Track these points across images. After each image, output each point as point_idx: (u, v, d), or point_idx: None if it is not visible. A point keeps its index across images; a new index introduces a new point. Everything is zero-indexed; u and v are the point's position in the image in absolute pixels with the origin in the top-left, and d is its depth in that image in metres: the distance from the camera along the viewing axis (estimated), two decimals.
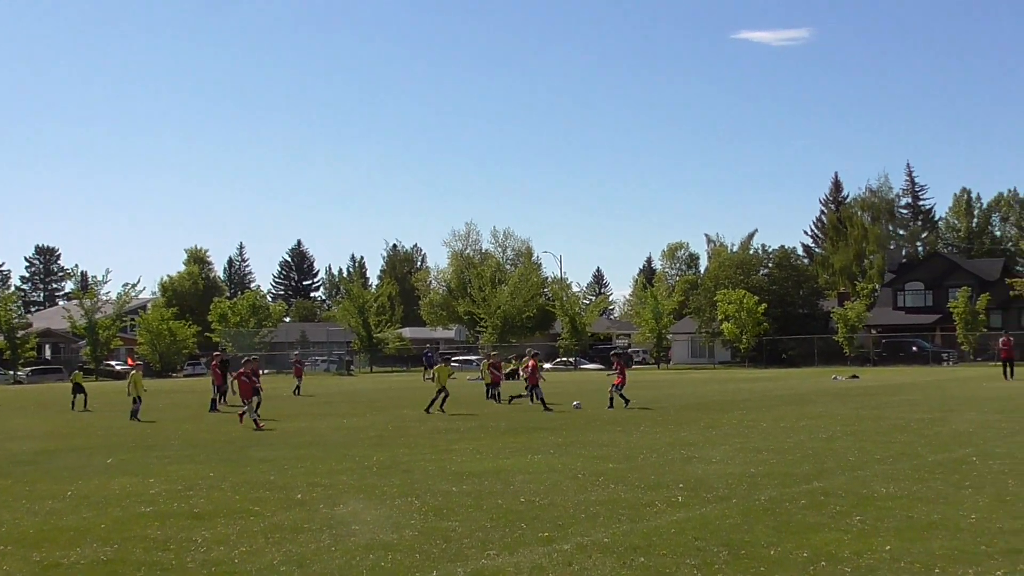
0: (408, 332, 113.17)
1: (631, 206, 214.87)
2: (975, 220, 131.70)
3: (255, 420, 26.68)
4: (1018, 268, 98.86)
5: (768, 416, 27.51)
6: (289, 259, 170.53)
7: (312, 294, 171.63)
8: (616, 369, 32.55)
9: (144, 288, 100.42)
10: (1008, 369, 47.05)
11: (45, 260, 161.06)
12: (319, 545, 10.93)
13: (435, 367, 34.67)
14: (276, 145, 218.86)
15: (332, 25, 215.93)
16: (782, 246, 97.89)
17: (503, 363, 44.25)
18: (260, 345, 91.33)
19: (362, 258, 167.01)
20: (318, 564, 10.09)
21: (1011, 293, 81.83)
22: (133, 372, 33.13)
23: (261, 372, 38.17)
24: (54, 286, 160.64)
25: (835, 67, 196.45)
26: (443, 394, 31.99)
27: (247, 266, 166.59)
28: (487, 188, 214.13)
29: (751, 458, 17.67)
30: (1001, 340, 49.82)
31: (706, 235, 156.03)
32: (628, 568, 9.66)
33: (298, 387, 47.38)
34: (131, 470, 17.96)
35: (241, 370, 28.31)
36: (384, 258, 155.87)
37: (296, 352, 65.52)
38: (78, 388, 38.90)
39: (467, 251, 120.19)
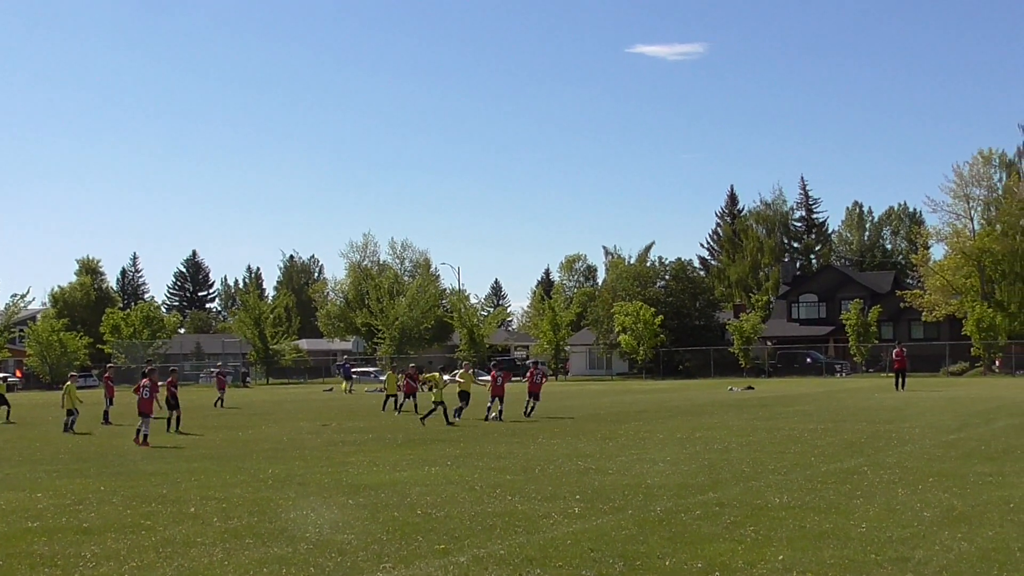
0: (305, 344, 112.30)
1: (529, 218, 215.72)
2: (867, 233, 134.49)
3: (144, 436, 25.84)
4: (908, 281, 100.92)
5: (664, 427, 27.76)
6: (184, 270, 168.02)
7: (208, 305, 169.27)
8: (492, 379, 32.53)
9: (33, 299, 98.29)
10: (900, 380, 48.07)
11: None
12: (211, 559, 10.76)
13: (426, 375, 32.99)
14: (170, 152, 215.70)
15: (225, 29, 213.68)
16: (679, 258, 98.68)
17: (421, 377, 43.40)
18: (154, 357, 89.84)
19: (258, 269, 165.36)
20: None
21: (901, 305, 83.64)
22: (68, 383, 32.49)
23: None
24: None
25: (729, 81, 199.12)
26: (442, 405, 30.87)
27: (141, 277, 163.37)
28: (385, 199, 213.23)
29: (647, 469, 17.81)
30: (894, 351, 50.92)
31: (604, 247, 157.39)
32: None
33: (221, 399, 46.30)
34: (17, 484, 17.50)
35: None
36: (281, 269, 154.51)
37: (219, 364, 64.71)
38: (1, 400, 37.81)
39: (365, 262, 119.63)
